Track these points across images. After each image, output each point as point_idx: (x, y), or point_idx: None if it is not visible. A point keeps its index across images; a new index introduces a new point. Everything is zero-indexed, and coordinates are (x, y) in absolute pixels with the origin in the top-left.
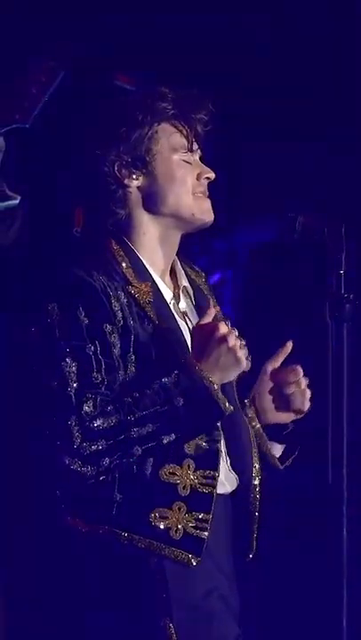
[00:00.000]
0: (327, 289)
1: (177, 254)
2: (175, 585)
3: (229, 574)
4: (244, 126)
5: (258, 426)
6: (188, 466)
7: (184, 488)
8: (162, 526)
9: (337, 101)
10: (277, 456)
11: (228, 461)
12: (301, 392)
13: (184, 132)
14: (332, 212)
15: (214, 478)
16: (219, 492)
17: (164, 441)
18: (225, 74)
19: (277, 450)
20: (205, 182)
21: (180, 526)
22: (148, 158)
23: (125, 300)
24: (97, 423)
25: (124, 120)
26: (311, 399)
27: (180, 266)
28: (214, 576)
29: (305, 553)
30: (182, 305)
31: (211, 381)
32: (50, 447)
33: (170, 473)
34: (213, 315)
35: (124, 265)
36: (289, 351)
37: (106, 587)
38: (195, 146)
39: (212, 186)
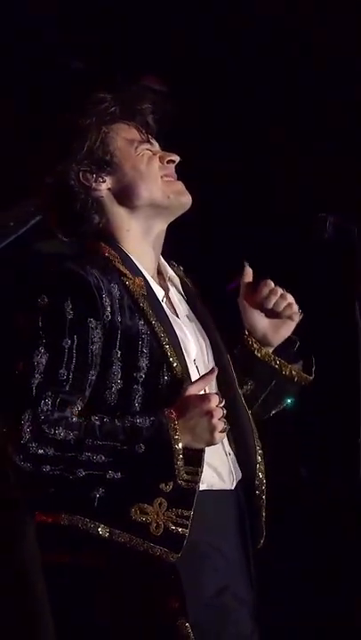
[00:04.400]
0: (357, 289)
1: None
2: (188, 584)
3: (243, 569)
4: (271, 126)
5: (268, 351)
6: None
7: (166, 484)
8: (141, 521)
9: None
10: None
11: (230, 455)
12: (283, 297)
13: (133, 125)
14: None
15: (197, 474)
16: (219, 487)
17: (108, 476)
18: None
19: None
20: (171, 165)
21: (160, 522)
22: (108, 158)
23: (118, 294)
24: (54, 430)
25: (72, 131)
26: (295, 300)
27: (163, 261)
28: (226, 573)
29: (336, 553)
30: (172, 296)
31: (178, 442)
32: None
33: None
34: (211, 381)
35: (116, 261)
36: (251, 273)
37: (118, 587)
38: (150, 136)
39: (241, 188)
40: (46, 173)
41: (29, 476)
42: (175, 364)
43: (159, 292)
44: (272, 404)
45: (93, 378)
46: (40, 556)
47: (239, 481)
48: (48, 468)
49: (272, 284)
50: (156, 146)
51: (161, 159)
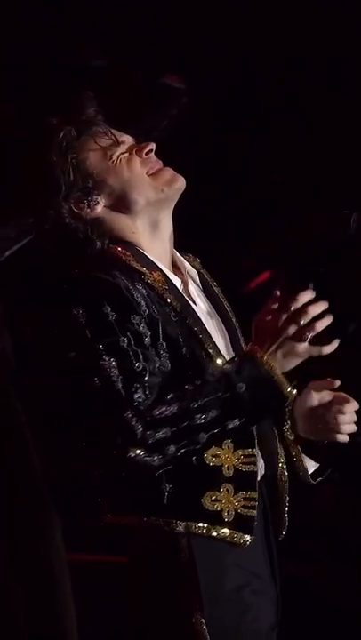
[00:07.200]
0: None
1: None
2: (206, 580)
3: (266, 564)
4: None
5: (291, 437)
6: (228, 446)
7: (228, 469)
8: (215, 509)
9: None
10: (310, 472)
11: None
12: (338, 413)
13: (93, 134)
14: None
15: (254, 455)
16: None
17: (229, 426)
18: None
19: (311, 465)
20: (150, 156)
21: (231, 507)
22: (89, 183)
23: (144, 291)
24: (159, 411)
25: (43, 174)
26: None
27: (178, 255)
28: (247, 569)
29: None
30: (192, 290)
31: (272, 366)
32: (96, 449)
33: (213, 455)
34: (276, 305)
35: (130, 260)
36: (337, 384)
37: (135, 583)
38: (115, 137)
39: (262, 184)
40: (41, 221)
41: (160, 468)
42: (211, 350)
43: (176, 281)
44: None
45: (159, 367)
46: (65, 558)
47: (263, 475)
48: (173, 448)
49: (336, 384)
50: (127, 140)
51: (138, 154)
